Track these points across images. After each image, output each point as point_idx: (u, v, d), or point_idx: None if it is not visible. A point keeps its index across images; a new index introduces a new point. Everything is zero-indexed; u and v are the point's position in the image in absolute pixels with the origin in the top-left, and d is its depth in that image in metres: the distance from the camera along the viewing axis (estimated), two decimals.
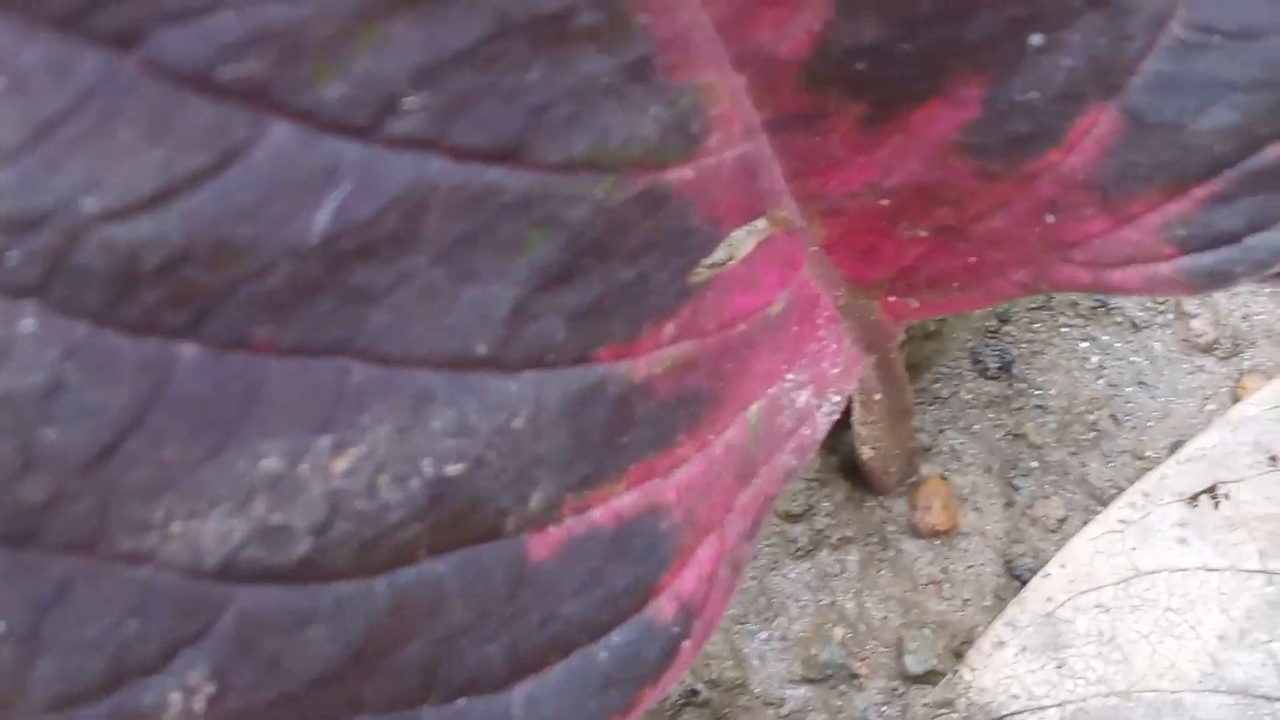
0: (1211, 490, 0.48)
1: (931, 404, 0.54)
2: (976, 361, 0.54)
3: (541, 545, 0.34)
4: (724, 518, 0.38)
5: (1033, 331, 0.54)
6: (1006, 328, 0.54)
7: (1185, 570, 0.48)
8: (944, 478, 0.53)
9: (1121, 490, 0.50)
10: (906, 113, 0.35)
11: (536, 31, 0.29)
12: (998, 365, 0.54)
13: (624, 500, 0.35)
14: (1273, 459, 0.48)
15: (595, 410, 0.34)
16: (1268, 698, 0.46)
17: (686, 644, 0.37)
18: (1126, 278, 0.37)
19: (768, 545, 0.51)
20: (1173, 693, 0.46)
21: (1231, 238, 0.36)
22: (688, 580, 0.37)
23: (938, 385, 0.54)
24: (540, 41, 0.29)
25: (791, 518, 0.52)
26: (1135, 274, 0.37)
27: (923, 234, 0.39)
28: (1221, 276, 0.36)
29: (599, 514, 0.35)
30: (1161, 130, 0.35)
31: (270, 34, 0.26)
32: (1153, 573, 0.48)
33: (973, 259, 0.39)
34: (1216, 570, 0.47)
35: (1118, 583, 0.48)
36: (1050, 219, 0.37)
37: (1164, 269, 0.37)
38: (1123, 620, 0.47)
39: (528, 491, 0.33)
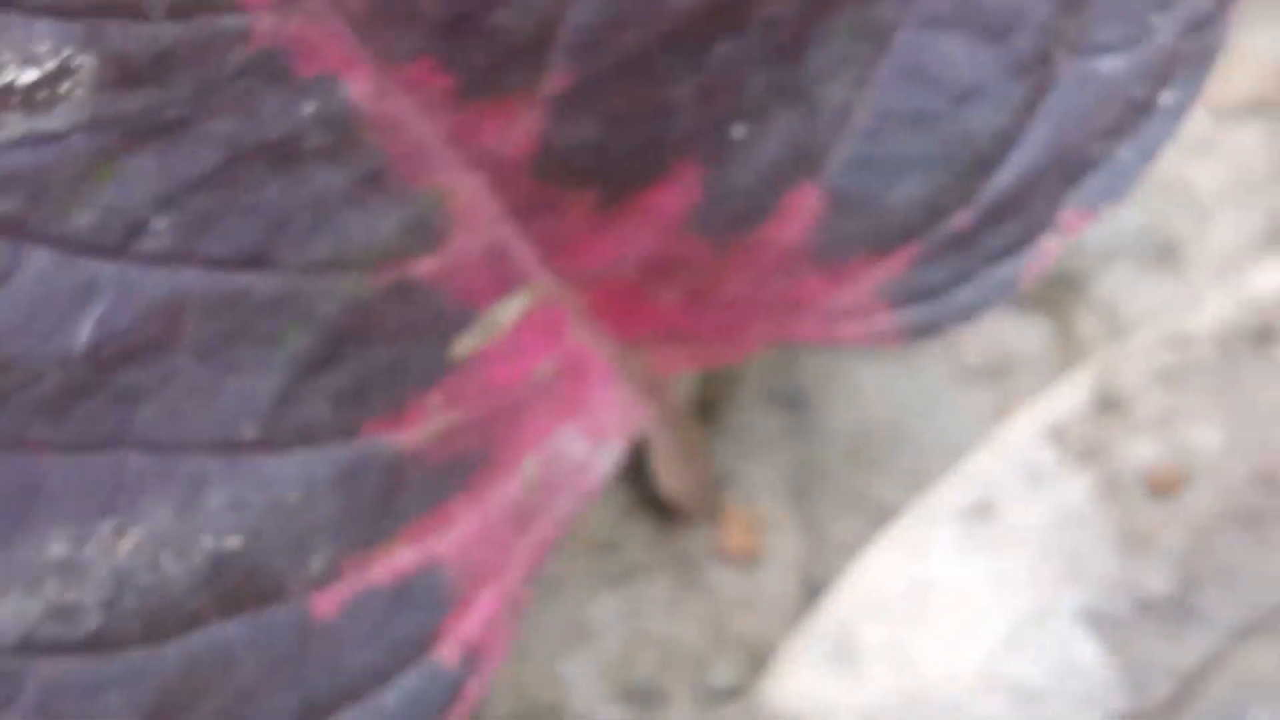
0: (984, 506, 0.52)
1: (729, 436, 0.57)
2: (770, 395, 0.57)
3: (325, 603, 0.37)
4: (503, 565, 0.41)
5: (821, 366, 0.57)
6: (797, 363, 0.57)
7: (963, 581, 0.51)
8: (744, 506, 0.56)
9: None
10: (635, 197, 0.37)
11: (269, 154, 0.32)
12: (789, 398, 0.57)
13: (402, 557, 0.38)
14: (1036, 477, 0.52)
15: (365, 480, 0.37)
16: (1040, 694, 0.50)
17: (472, 683, 0.40)
18: (852, 330, 0.41)
19: (582, 576, 0.54)
20: (954, 695, 0.50)
21: (935, 293, 0.39)
22: (469, 625, 0.40)
23: (734, 419, 0.57)
24: (274, 162, 0.32)
25: (603, 549, 0.54)
26: (858, 327, 0.41)
27: (674, 298, 0.42)
28: (931, 327, 0.40)
29: (378, 571, 0.37)
30: (860, 203, 0.38)
31: (19, 176, 0.29)
32: (934, 584, 0.51)
33: (720, 318, 0.43)
34: (991, 580, 0.51)
35: (902, 594, 0.51)
36: (779, 282, 0.40)
37: (881, 322, 0.40)
38: (909, 629, 0.51)
39: (306, 556, 0.36)
